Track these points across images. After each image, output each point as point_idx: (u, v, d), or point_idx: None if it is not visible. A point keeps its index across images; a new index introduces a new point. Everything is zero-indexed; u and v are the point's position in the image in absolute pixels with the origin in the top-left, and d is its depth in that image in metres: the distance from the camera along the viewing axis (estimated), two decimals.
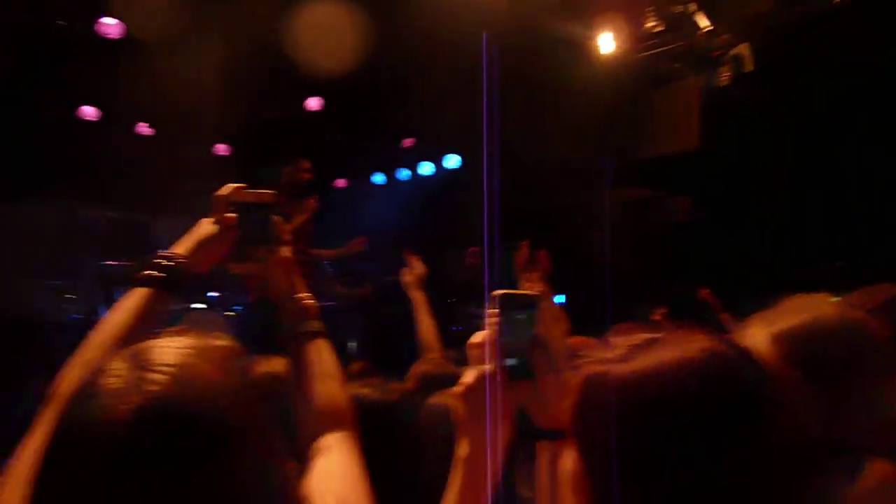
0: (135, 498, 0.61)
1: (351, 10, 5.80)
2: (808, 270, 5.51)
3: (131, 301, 1.18)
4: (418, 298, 3.11)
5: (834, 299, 1.12)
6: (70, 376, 1.06)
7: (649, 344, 0.75)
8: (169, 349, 0.71)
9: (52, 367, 1.11)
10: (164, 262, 1.22)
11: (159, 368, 0.68)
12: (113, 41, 6.08)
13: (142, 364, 0.69)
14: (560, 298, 7.08)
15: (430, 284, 8.37)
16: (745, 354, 0.73)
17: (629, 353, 0.75)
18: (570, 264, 6.89)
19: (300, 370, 1.19)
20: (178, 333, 1.46)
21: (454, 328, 7.64)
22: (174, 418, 0.64)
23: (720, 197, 6.29)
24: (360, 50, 6.32)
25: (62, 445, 0.66)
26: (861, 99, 5.28)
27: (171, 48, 6.19)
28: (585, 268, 6.91)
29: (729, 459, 0.66)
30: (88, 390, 0.68)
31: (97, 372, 0.70)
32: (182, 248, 1.26)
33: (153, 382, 0.66)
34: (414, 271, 3.22)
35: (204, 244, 1.27)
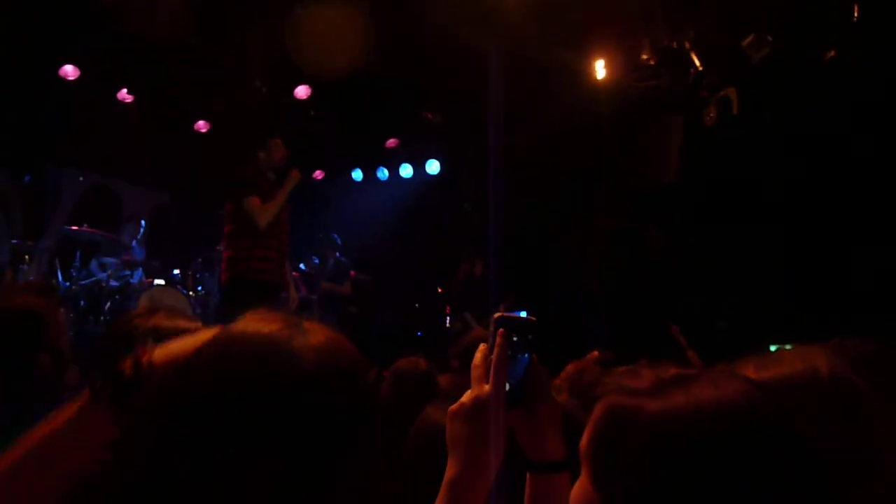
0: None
1: (351, 7, 5.78)
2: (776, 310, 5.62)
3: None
4: None
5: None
6: None
7: (681, 379, 0.70)
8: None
9: None
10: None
11: None
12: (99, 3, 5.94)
13: None
14: (522, 314, 7.14)
15: (398, 287, 8.35)
16: (785, 402, 0.69)
17: (659, 386, 0.70)
18: (548, 283, 6.97)
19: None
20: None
21: (418, 333, 7.64)
22: None
23: (696, 233, 6.37)
24: (356, 45, 6.29)
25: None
26: (842, 151, 5.41)
27: (161, 16, 6.08)
28: (562, 287, 6.98)
29: None
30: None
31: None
32: None
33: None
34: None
35: None
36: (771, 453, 0.63)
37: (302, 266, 7.32)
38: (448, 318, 7.33)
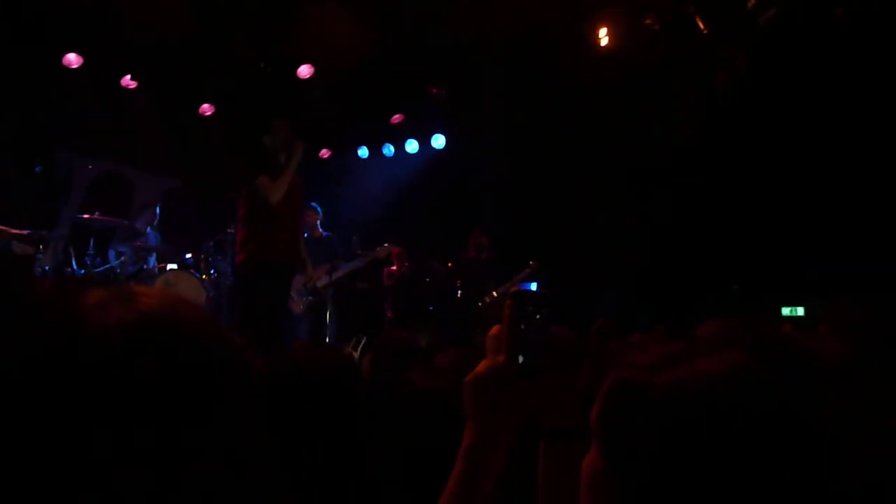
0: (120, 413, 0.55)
1: None
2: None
3: None
4: None
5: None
6: None
7: (687, 352, 0.71)
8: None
9: None
10: None
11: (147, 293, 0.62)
12: None
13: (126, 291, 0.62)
14: (532, 286, 7.17)
15: (408, 262, 8.22)
16: (787, 372, 0.69)
17: (666, 360, 0.71)
18: (557, 254, 6.99)
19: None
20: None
21: (429, 307, 7.70)
22: (169, 340, 0.60)
23: (710, 198, 6.34)
24: (356, 22, 6.25)
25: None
26: (853, 106, 5.36)
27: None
28: (571, 258, 6.99)
29: (771, 483, 0.64)
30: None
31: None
32: None
33: (143, 302, 0.61)
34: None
35: None
36: (773, 424, 0.65)
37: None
38: (458, 291, 7.35)
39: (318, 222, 6.56)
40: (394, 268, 7.72)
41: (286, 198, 4.51)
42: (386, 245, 6.64)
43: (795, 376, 0.68)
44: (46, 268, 6.10)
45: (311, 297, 6.24)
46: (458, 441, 0.99)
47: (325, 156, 9.08)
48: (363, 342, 5.24)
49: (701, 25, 5.66)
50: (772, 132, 5.77)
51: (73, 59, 6.83)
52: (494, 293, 6.88)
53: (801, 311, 5.59)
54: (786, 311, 5.69)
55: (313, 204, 6.55)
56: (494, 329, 1.01)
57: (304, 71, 7.50)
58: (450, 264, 7.57)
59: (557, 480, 1.01)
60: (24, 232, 5.88)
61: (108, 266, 6.33)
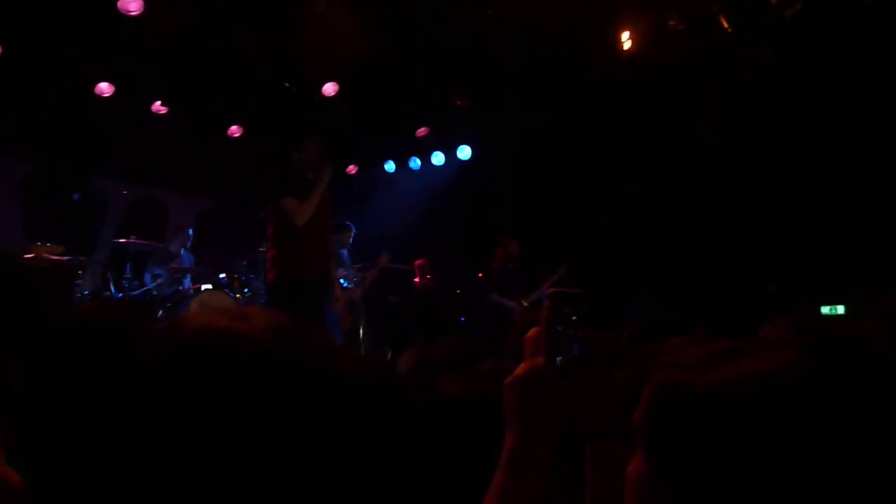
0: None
1: None
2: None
3: None
4: None
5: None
6: None
7: (731, 353, 0.70)
8: None
9: None
10: None
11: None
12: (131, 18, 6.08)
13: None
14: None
15: (438, 272, 8.27)
16: (836, 372, 0.67)
17: (709, 361, 0.70)
18: (584, 257, 6.94)
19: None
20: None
21: (461, 319, 7.69)
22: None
23: (741, 197, 6.23)
24: (378, 37, 6.31)
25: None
26: (882, 103, 5.24)
27: (189, 27, 6.20)
28: (599, 260, 6.94)
29: (813, 485, 0.62)
30: None
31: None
32: None
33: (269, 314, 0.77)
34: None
35: None
36: (822, 425, 0.63)
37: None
38: (489, 301, 7.34)
39: (351, 239, 6.88)
40: (417, 280, 7.76)
41: (315, 215, 4.54)
42: (384, 254, 6.89)
43: (846, 375, 0.66)
44: (86, 292, 6.25)
45: (349, 313, 6.35)
46: (478, 445, 0.99)
47: (353, 171, 9.17)
48: (389, 355, 5.27)
49: (725, 24, 5.60)
50: (801, 129, 5.66)
51: (105, 87, 7.03)
52: (524, 302, 6.86)
53: (840, 309, 5.44)
54: (825, 309, 5.55)
55: (348, 222, 6.87)
56: (533, 331, 1.01)
57: (329, 89, 7.59)
58: (480, 274, 7.57)
59: (604, 482, 1.00)
60: (64, 258, 6.04)
61: (145, 289, 6.46)
